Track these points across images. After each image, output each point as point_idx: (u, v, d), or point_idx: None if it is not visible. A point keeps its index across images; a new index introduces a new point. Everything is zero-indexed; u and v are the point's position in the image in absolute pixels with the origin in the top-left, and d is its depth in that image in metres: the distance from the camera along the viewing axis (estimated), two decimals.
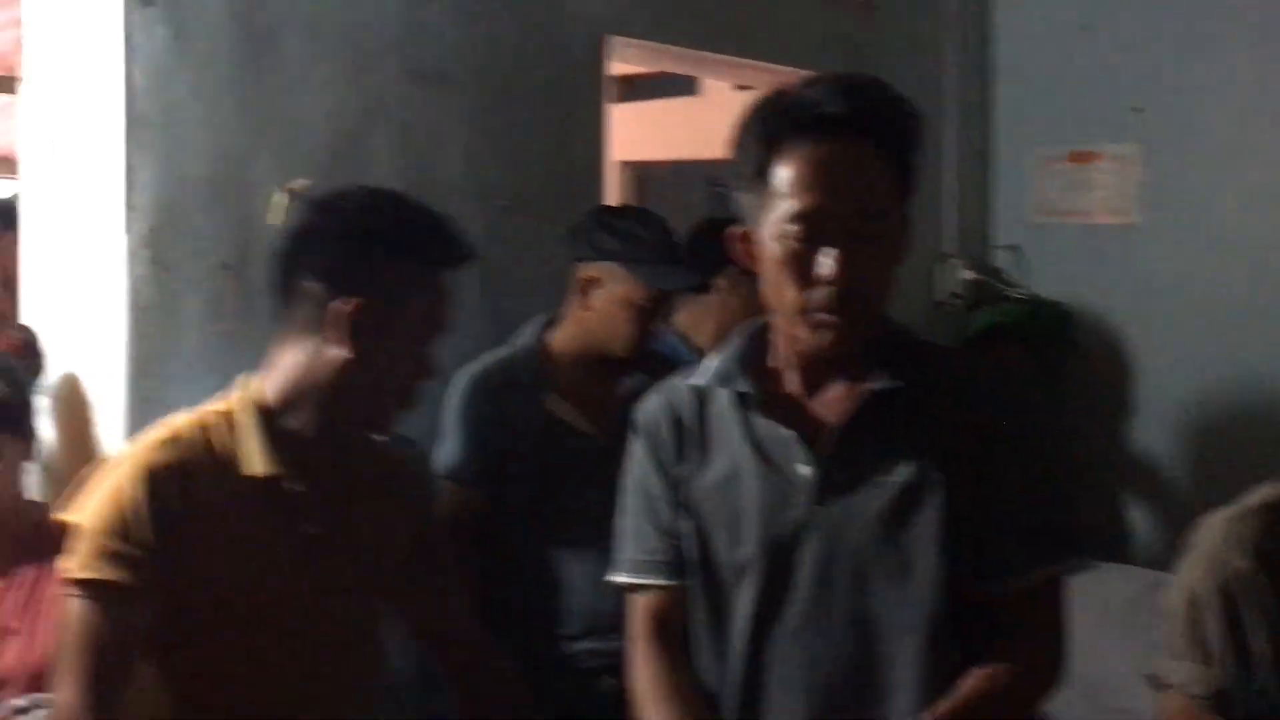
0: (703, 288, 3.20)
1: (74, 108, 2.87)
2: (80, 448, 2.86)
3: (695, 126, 5.66)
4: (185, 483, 2.01)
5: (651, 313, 3.01)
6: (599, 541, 2.24)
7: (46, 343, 2.95)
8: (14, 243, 3.06)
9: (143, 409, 2.78)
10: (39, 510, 2.68)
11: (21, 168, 3.02)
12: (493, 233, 3.38)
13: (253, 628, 2.04)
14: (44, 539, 2.59)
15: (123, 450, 2.03)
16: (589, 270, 3.02)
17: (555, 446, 2.96)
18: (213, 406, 2.14)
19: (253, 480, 2.06)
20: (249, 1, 2.95)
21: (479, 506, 2.94)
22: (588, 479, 2.74)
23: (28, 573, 2.59)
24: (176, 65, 2.84)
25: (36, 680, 2.47)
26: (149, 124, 2.80)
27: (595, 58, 3.70)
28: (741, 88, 4.88)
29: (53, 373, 2.94)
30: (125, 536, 1.96)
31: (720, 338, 3.38)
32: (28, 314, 2.99)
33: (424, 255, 2.12)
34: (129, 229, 2.77)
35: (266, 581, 2.06)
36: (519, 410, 2.98)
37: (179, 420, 2.12)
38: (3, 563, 2.60)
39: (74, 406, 2.90)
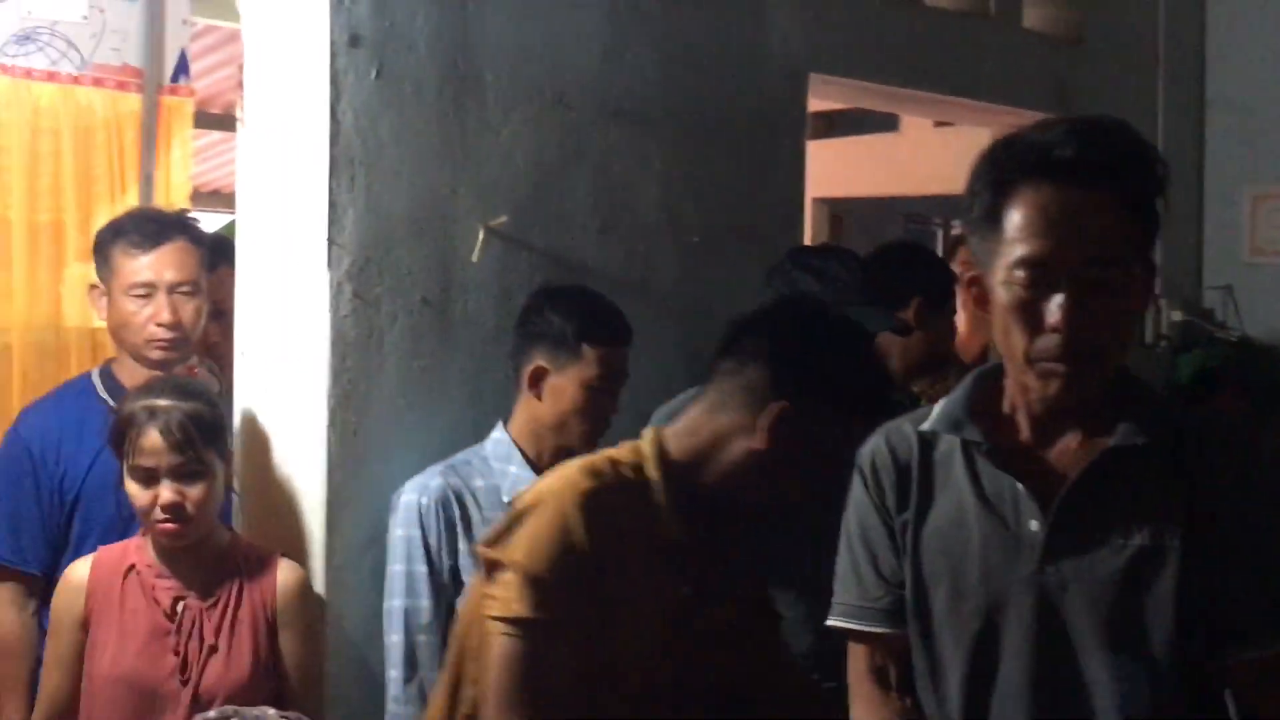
0: (903, 329, 3.14)
1: (285, 146, 2.96)
2: (261, 481, 2.97)
3: (894, 163, 5.61)
4: (613, 524, 2.01)
5: None
6: (801, 583, 2.21)
7: (250, 374, 3.04)
8: (228, 276, 3.16)
9: (342, 440, 2.86)
10: (230, 533, 2.79)
11: (238, 203, 3.12)
12: (688, 270, 3.39)
13: (631, 678, 2.04)
14: (235, 561, 2.73)
15: (540, 487, 2.05)
16: None
17: None
18: (619, 452, 2.14)
19: (659, 536, 2.07)
20: (452, 44, 3.01)
21: None
22: (793, 521, 2.72)
23: (227, 593, 2.70)
24: (381, 106, 2.91)
25: (236, 695, 2.58)
26: (354, 162, 2.87)
27: (796, 96, 3.69)
28: (942, 124, 4.82)
29: (250, 404, 3.03)
30: (562, 574, 1.96)
31: (908, 376, 3.35)
32: (239, 345, 3.08)
33: (859, 382, 2.13)
34: (333, 265, 2.84)
35: (652, 633, 2.06)
36: None
37: (593, 461, 2.12)
38: (205, 583, 2.70)
39: (255, 439, 3.00)
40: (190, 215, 3.37)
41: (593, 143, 3.26)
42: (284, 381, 2.96)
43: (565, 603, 1.95)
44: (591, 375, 2.79)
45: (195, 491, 2.62)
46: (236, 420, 3.06)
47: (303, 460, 2.91)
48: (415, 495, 2.79)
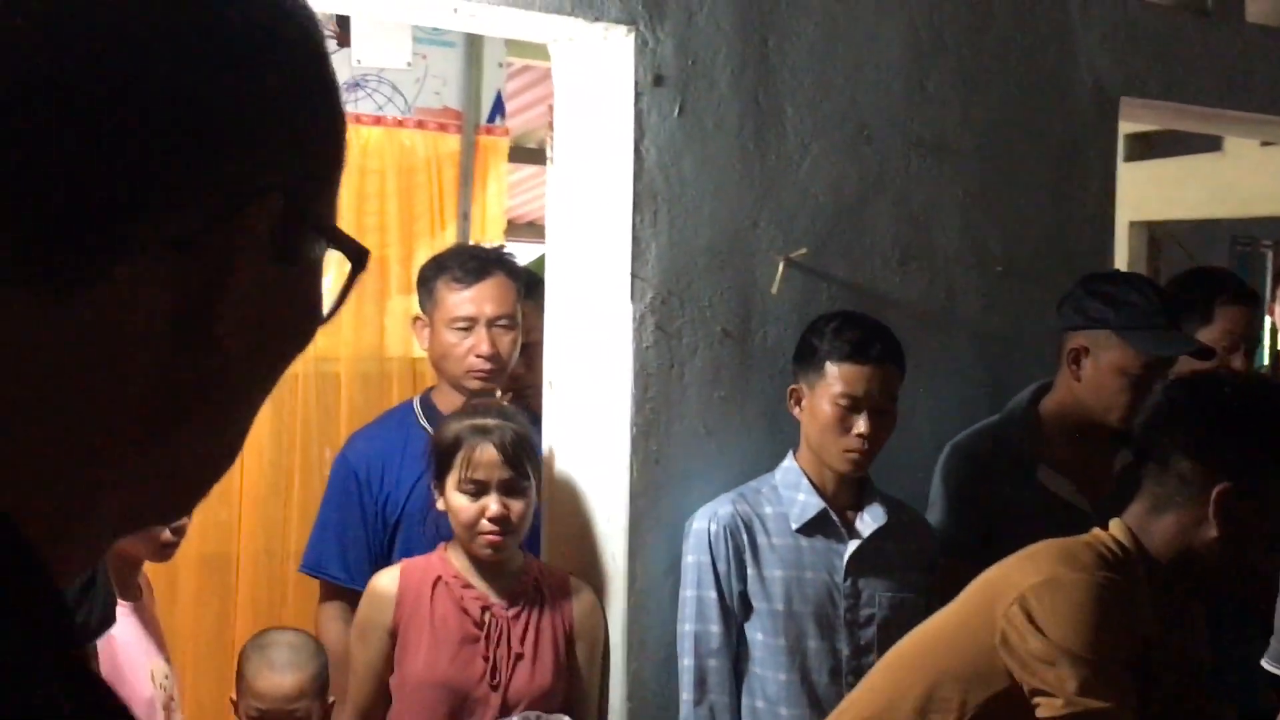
0: (1205, 353, 3.03)
1: (591, 182, 3.05)
2: (567, 507, 3.06)
3: (1218, 183, 5.39)
4: (1128, 611, 2.12)
5: (1147, 381, 2.89)
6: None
7: (558, 404, 3.14)
8: (532, 310, 3.28)
9: (644, 468, 2.93)
10: (523, 553, 2.93)
11: (547, 239, 3.23)
12: (991, 300, 3.34)
13: None
14: (533, 576, 2.89)
15: (1061, 570, 2.15)
16: (1080, 339, 2.95)
17: (1046, 519, 2.87)
18: (1097, 540, 2.21)
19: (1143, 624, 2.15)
20: (753, 79, 3.06)
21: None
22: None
23: (528, 605, 2.86)
24: (683, 141, 2.97)
25: (538, 702, 2.77)
26: (656, 198, 2.94)
27: (1106, 120, 3.59)
28: (1268, 144, 4.60)
29: (557, 433, 3.13)
30: (1112, 658, 2.06)
31: None
32: (548, 375, 3.18)
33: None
34: (636, 297, 2.92)
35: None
36: (1009, 482, 2.93)
37: (1080, 549, 2.20)
38: (509, 594, 2.85)
39: (562, 467, 3.10)
40: (507, 250, 3.50)
41: (894, 173, 3.25)
42: (589, 411, 3.05)
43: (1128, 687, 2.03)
44: (836, 392, 2.78)
45: (518, 506, 2.78)
46: (545, 449, 3.16)
47: (606, 488, 3.00)
48: (705, 522, 2.85)
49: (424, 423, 3.27)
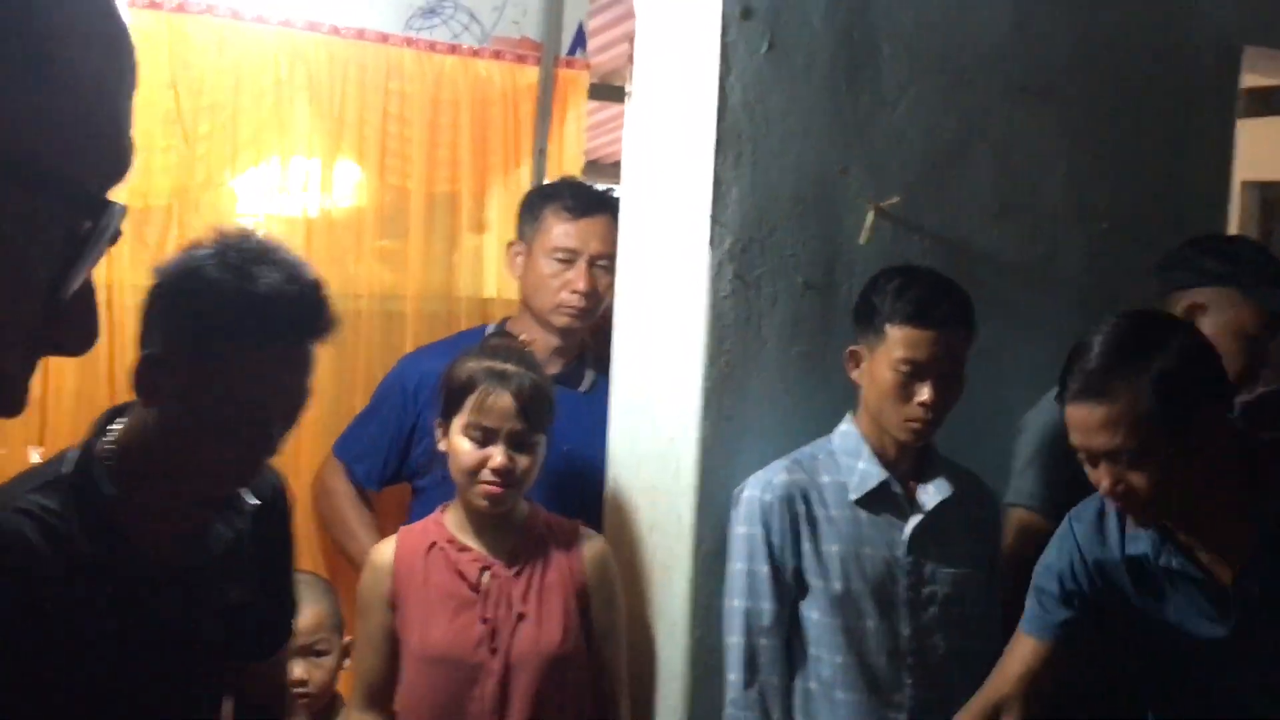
0: None
1: (671, 121, 2.90)
2: (633, 459, 2.91)
3: None
4: None
5: (1264, 340, 2.76)
6: None
7: (627, 352, 2.99)
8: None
9: (716, 425, 2.78)
10: (529, 504, 2.76)
11: (623, 178, 3.09)
12: (1094, 256, 3.16)
13: None
14: (538, 531, 2.72)
15: None
16: (1193, 296, 2.76)
17: None
18: None
19: None
20: (848, 15, 2.88)
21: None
22: None
23: (533, 561, 2.69)
24: (772, 79, 2.80)
25: (547, 662, 2.61)
26: (740, 138, 2.78)
27: (1226, 70, 3.36)
28: None
29: (625, 383, 2.99)
30: None
31: None
32: (617, 321, 3.04)
33: None
34: (715, 244, 2.76)
35: None
36: None
37: None
38: (510, 552, 2.69)
39: (630, 418, 2.94)
40: (615, 194, 3.36)
41: (995, 121, 3.06)
42: (660, 362, 2.91)
43: None
44: (896, 358, 2.60)
45: (525, 461, 2.63)
46: (613, 398, 3.03)
47: (675, 442, 2.85)
48: (758, 491, 2.68)
49: None
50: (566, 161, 3.93)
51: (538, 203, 3.26)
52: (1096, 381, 2.21)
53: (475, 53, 3.78)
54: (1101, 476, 2.25)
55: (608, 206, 3.21)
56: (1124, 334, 2.25)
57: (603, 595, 2.75)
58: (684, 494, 2.81)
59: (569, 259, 3.15)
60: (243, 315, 1.81)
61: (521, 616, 2.63)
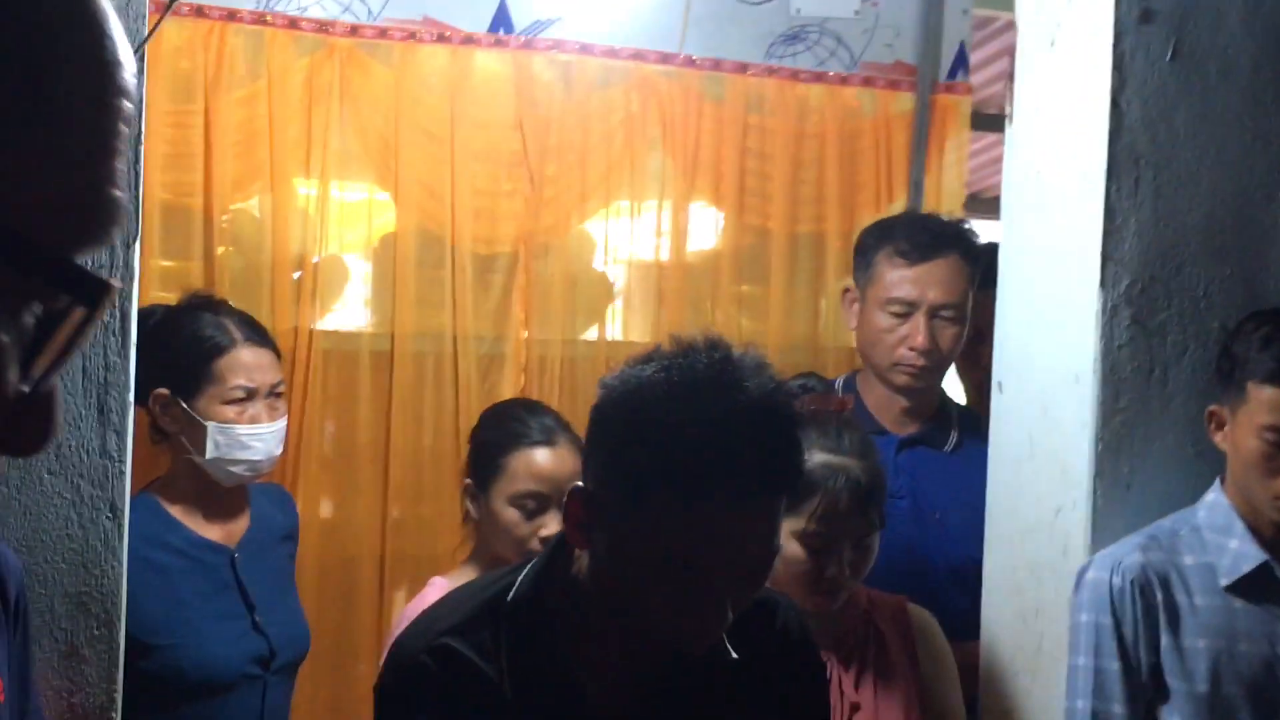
0: None
1: (1056, 144, 2.58)
2: (1010, 534, 2.58)
3: None
4: None
5: None
6: None
7: (1008, 409, 2.66)
8: (991, 298, 2.84)
9: (1109, 494, 2.45)
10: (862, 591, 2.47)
11: (1002, 211, 2.77)
12: None
13: None
14: (863, 612, 2.43)
15: None
16: None
17: None
18: None
19: None
20: (1275, 12, 2.48)
21: None
22: None
23: (864, 650, 2.41)
24: (1177, 93, 2.45)
25: None
26: (1139, 162, 2.44)
27: None
28: None
29: (1006, 443, 2.65)
30: None
31: None
32: (996, 374, 2.72)
33: None
34: (1108, 284, 2.43)
35: None
36: None
37: None
38: (838, 641, 2.40)
39: (1010, 484, 2.60)
40: (967, 226, 3.05)
41: None
42: (1045, 421, 2.56)
43: None
44: (1261, 424, 2.20)
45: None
46: (991, 463, 2.71)
47: (1062, 514, 2.50)
48: (1106, 572, 2.32)
49: None
50: (946, 195, 3.65)
51: (870, 244, 2.94)
52: None
53: (843, 80, 3.56)
54: None
55: (955, 244, 2.88)
56: None
57: (941, 677, 2.46)
58: (1072, 574, 2.46)
59: (905, 312, 2.84)
60: (689, 460, 1.54)
61: (856, 708, 2.35)
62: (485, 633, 1.63)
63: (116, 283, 0.68)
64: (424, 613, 1.80)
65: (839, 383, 3.01)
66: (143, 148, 2.17)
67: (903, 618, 2.45)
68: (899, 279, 2.85)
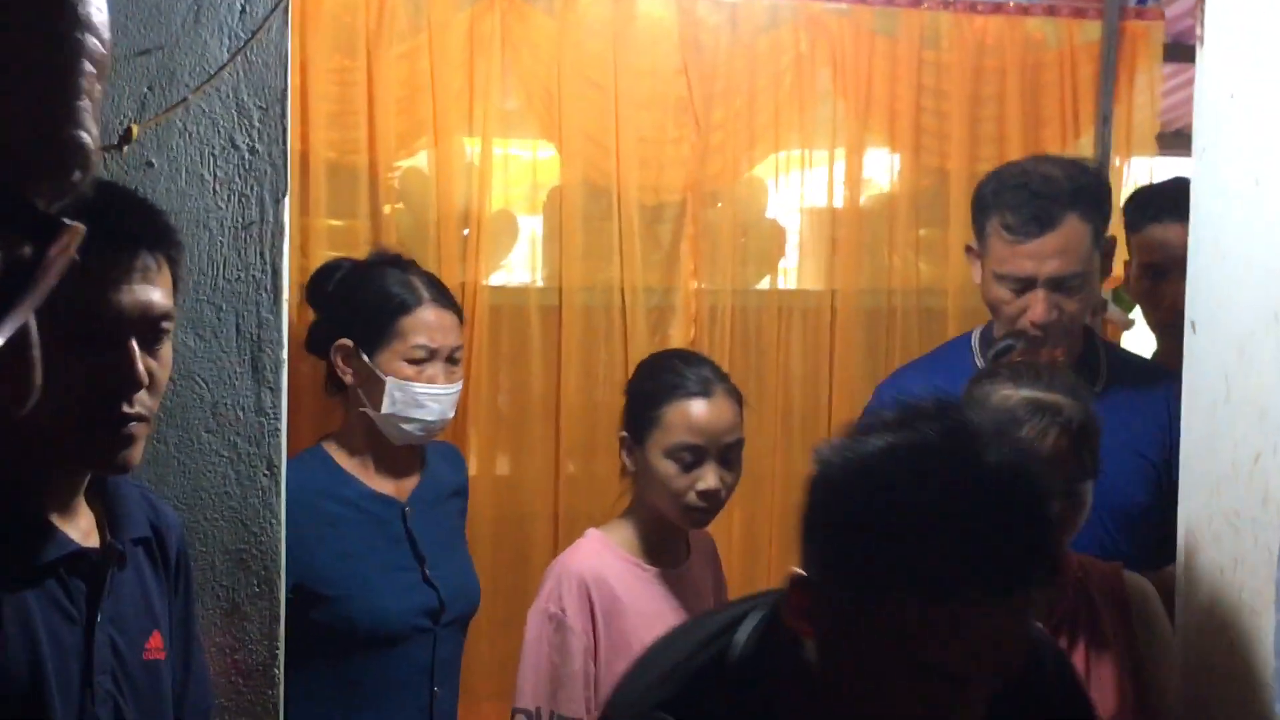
0: None
1: (1255, 66, 2.40)
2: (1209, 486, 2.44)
3: None
4: None
5: None
6: None
7: (1203, 353, 2.51)
8: (1169, 230, 2.68)
9: None
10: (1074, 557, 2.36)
11: (1194, 143, 2.60)
12: None
13: None
14: (1076, 582, 2.33)
15: None
16: None
17: None
18: None
19: None
20: None
21: None
22: None
23: (1075, 622, 2.31)
24: None
25: None
26: None
27: None
28: None
29: (1200, 390, 2.50)
30: None
31: None
32: (1189, 315, 2.56)
33: None
34: None
35: None
36: None
37: None
38: (1056, 615, 2.30)
39: (1204, 429, 2.45)
40: (1088, 179, 2.80)
41: None
42: (1242, 362, 2.40)
43: None
44: None
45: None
46: (1185, 403, 2.56)
47: (1262, 459, 2.34)
48: None
49: (978, 359, 2.82)
50: (1136, 130, 3.47)
51: (981, 207, 2.77)
52: None
53: (1025, 10, 3.43)
54: None
55: (1070, 206, 2.68)
56: None
57: (1158, 649, 2.34)
58: (1273, 524, 2.30)
59: (1021, 288, 2.69)
60: (930, 554, 1.40)
61: None
62: (706, 704, 1.53)
63: (73, 224, 0.65)
64: (632, 673, 1.69)
65: (974, 335, 2.90)
66: (288, 103, 2.15)
67: (1118, 586, 2.34)
68: (1010, 255, 2.69)
